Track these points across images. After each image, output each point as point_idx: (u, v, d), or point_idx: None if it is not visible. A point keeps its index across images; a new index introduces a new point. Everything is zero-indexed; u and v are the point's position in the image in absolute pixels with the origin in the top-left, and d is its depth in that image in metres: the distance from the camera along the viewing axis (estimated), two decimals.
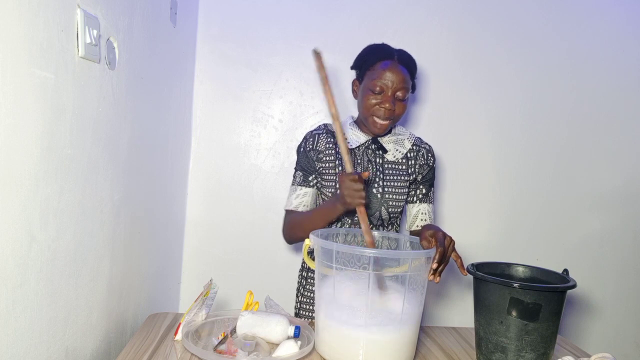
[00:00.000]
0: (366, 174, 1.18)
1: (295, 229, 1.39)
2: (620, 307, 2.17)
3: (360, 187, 1.17)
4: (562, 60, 2.03)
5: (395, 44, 1.39)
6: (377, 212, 1.38)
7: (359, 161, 1.40)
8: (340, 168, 1.38)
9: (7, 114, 0.72)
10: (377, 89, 1.30)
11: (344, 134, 1.19)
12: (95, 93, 1.01)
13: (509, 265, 1.20)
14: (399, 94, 1.31)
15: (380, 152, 1.41)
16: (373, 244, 1.19)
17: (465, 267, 1.13)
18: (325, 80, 1.16)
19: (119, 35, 1.10)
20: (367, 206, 1.32)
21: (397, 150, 1.41)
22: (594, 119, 2.07)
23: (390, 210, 1.39)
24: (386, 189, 1.38)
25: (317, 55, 1.16)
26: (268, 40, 1.91)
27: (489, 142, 2.03)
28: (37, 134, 0.80)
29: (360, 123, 1.43)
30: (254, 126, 1.94)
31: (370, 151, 1.41)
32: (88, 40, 0.94)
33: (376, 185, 1.38)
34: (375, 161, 1.40)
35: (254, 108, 1.93)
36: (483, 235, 2.06)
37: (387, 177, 1.39)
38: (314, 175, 1.41)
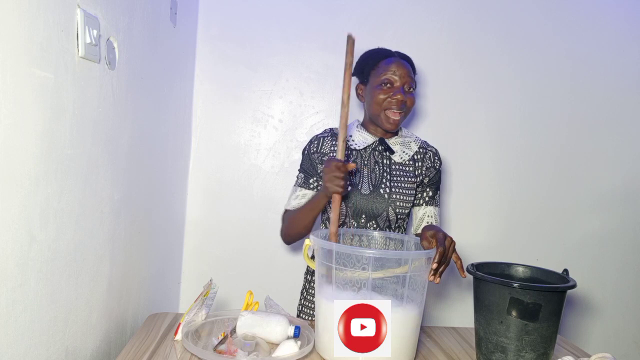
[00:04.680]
0: (352, 165, 1.19)
1: (288, 227, 1.41)
2: (620, 307, 2.17)
3: (341, 174, 1.17)
4: (561, 60, 2.03)
5: (394, 45, 1.40)
6: (385, 213, 1.37)
7: (365, 162, 1.39)
8: None
9: (7, 114, 0.72)
10: (386, 82, 1.32)
11: (347, 123, 1.20)
12: (95, 93, 1.01)
13: (509, 265, 1.20)
14: (406, 86, 1.33)
15: (387, 153, 1.40)
16: (335, 236, 1.19)
17: (465, 267, 1.12)
18: (349, 66, 1.18)
19: (119, 35, 1.10)
20: (346, 197, 1.33)
21: (404, 152, 1.41)
22: (593, 119, 2.07)
23: (397, 211, 1.38)
24: (394, 190, 1.37)
25: (351, 40, 1.18)
26: (268, 40, 1.91)
27: (489, 142, 2.03)
28: (37, 134, 0.80)
29: (367, 125, 1.43)
30: (254, 126, 1.94)
31: (377, 152, 1.40)
32: (88, 40, 0.94)
33: (383, 186, 1.37)
34: (382, 162, 1.40)
35: (254, 108, 1.93)
36: (483, 235, 2.06)
37: (395, 178, 1.38)
38: (314, 178, 1.41)
